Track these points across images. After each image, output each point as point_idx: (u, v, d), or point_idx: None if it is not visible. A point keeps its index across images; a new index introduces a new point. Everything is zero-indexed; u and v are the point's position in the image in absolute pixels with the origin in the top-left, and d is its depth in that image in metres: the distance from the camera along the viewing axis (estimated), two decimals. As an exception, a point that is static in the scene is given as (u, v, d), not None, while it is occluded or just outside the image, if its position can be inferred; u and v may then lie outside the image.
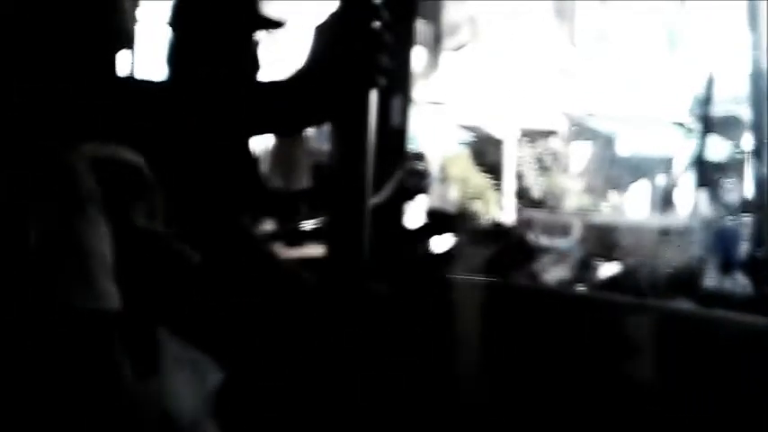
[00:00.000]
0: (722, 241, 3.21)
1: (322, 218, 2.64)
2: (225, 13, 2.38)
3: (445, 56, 15.36)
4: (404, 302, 2.67)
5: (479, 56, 15.97)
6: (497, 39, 16.05)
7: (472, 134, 16.36)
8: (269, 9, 2.53)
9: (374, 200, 2.33)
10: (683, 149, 14.14)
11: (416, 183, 2.67)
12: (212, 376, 1.71)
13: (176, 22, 2.41)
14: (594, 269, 3.04)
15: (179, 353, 1.65)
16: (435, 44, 15.90)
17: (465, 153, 15.92)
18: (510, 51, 16.06)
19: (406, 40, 2.73)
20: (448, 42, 15.24)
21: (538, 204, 14.61)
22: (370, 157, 2.26)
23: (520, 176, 16.15)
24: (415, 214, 3.07)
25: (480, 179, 15.54)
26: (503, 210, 14.25)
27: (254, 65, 2.44)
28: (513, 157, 16.12)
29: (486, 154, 16.14)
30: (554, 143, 16.85)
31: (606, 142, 16.70)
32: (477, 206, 13.78)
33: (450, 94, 15.54)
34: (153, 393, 1.58)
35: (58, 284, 1.37)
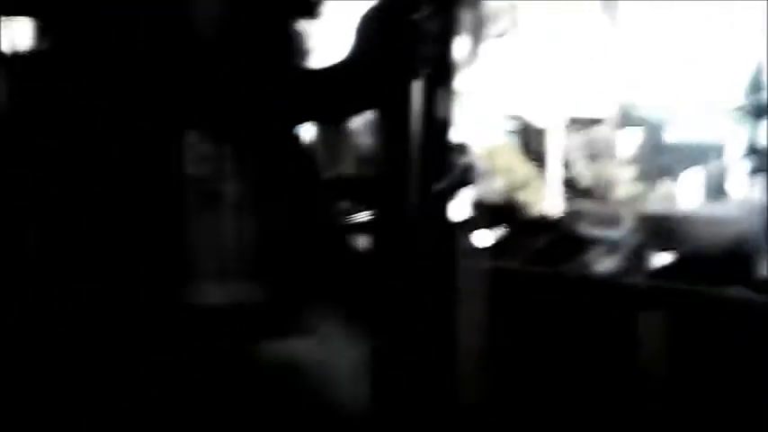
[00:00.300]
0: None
1: (364, 210, 2.65)
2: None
3: (487, 43, 15.30)
4: (451, 293, 2.67)
5: (522, 43, 15.88)
6: (540, 24, 15.95)
7: (516, 123, 16.28)
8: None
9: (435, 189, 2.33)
10: (735, 135, 13.99)
11: (463, 175, 2.67)
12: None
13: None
14: (647, 259, 3.01)
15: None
16: (477, 31, 15.82)
17: (510, 143, 15.85)
18: (554, 37, 15.95)
19: (450, 30, 2.73)
20: (490, 30, 15.17)
21: (587, 194, 14.50)
22: (414, 148, 2.26)
23: (567, 166, 16.04)
24: (461, 206, 3.06)
25: (526, 169, 15.45)
26: (549, 200, 14.17)
27: (297, 52, 2.45)
28: (560, 146, 16.02)
29: (531, 143, 16.06)
30: (602, 131, 16.72)
31: (656, 129, 16.53)
32: (523, 197, 13.72)
33: (494, 83, 15.46)
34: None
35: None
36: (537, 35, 17.57)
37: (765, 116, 13.11)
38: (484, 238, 3.01)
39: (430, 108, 2.48)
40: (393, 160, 2.28)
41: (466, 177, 2.72)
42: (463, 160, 2.95)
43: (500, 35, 16.51)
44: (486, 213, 3.24)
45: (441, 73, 2.57)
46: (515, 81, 17.25)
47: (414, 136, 2.19)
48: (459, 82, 2.94)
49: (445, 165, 2.58)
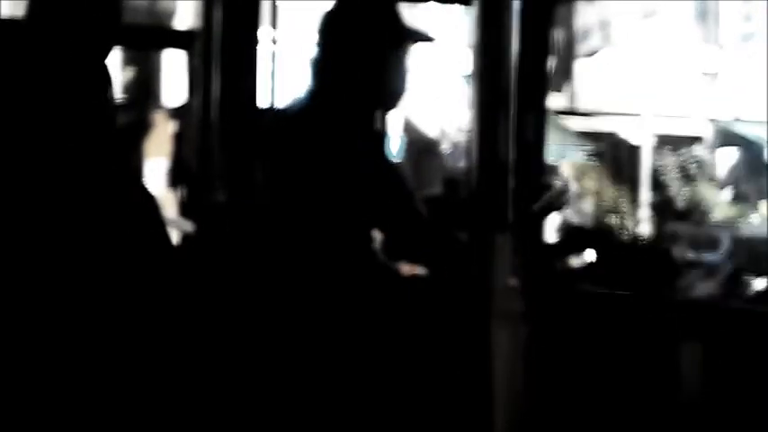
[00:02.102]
0: None
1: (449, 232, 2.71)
2: (372, 27, 2.49)
3: (578, 62, 15.24)
4: (545, 318, 2.71)
5: (614, 61, 15.76)
6: (633, 42, 15.81)
7: (607, 143, 16.14)
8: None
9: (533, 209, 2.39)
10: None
11: (557, 198, 2.71)
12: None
13: (324, 36, 2.54)
14: (746, 284, 3.00)
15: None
16: (567, 50, 15.79)
17: (600, 164, 15.72)
18: (647, 55, 15.80)
19: (542, 52, 2.78)
20: (580, 48, 15.11)
21: (682, 216, 14.29)
22: (509, 171, 2.32)
23: (662, 186, 15.83)
24: (552, 230, 3.11)
25: (616, 191, 15.31)
26: (640, 222, 14.01)
27: (401, 78, 2.54)
28: (651, 167, 15.84)
29: (621, 164, 15.89)
30: (698, 150, 16.46)
31: (755, 148, 16.22)
32: (612, 219, 13.59)
33: (584, 102, 15.38)
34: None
35: None
36: (628, 53, 17.31)
37: None
38: (576, 261, 3.04)
39: (522, 129, 2.54)
40: (485, 182, 2.34)
41: (559, 200, 2.77)
42: (556, 182, 3.00)
43: (591, 53, 16.33)
44: (578, 236, 3.27)
45: (534, 97, 2.63)
46: (606, 100, 17.01)
47: (506, 158, 2.26)
48: (550, 102, 3.00)
49: (538, 186, 2.64)
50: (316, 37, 2.57)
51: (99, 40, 1.89)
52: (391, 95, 2.55)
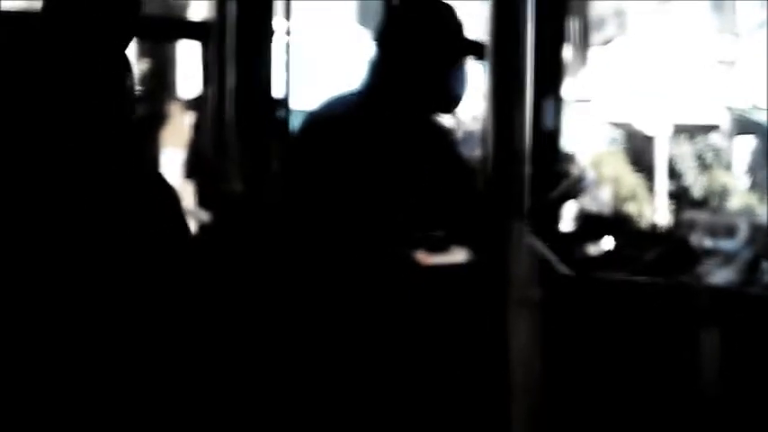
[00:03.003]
0: None
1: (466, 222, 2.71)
2: (432, 35, 2.50)
3: (593, 51, 15.18)
4: (563, 304, 2.72)
5: (629, 49, 15.71)
6: (648, 31, 15.75)
7: (624, 132, 16.09)
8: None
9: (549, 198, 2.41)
10: None
11: (575, 185, 2.71)
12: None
13: (384, 40, 2.55)
14: (764, 271, 2.99)
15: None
16: (583, 39, 15.71)
17: (617, 152, 15.68)
18: (662, 43, 15.73)
19: (558, 40, 2.78)
20: (595, 37, 15.06)
21: (700, 204, 14.25)
22: (525, 159, 2.32)
23: (679, 175, 15.78)
24: (570, 217, 3.10)
25: (634, 179, 15.27)
26: (658, 210, 13.97)
27: (460, 85, 2.55)
28: (668, 155, 15.78)
29: (639, 152, 15.85)
30: (715, 138, 16.39)
31: (772, 136, 16.14)
32: (630, 207, 13.56)
33: (600, 91, 15.34)
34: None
35: None
36: (644, 41, 17.21)
37: None
38: (594, 248, 3.05)
39: (539, 116, 2.54)
40: (501, 170, 2.35)
41: (576, 188, 2.77)
42: (574, 170, 2.99)
43: (607, 41, 16.27)
44: (596, 223, 3.27)
45: (550, 84, 2.63)
46: (623, 88, 16.94)
47: (521, 146, 2.26)
48: (566, 90, 3.00)
49: (555, 174, 2.64)
50: (378, 37, 2.57)
51: (119, 31, 1.90)
52: (450, 100, 2.56)
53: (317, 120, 2.63)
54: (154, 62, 6.41)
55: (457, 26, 2.54)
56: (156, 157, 5.04)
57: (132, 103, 1.94)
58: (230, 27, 2.63)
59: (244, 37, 2.62)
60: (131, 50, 1.96)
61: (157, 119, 5.42)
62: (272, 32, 2.66)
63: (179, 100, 6.22)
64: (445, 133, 2.67)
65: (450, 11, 2.53)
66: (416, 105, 2.53)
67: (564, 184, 2.60)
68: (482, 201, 2.60)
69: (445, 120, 2.79)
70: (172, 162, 5.07)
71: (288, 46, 2.68)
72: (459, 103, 2.55)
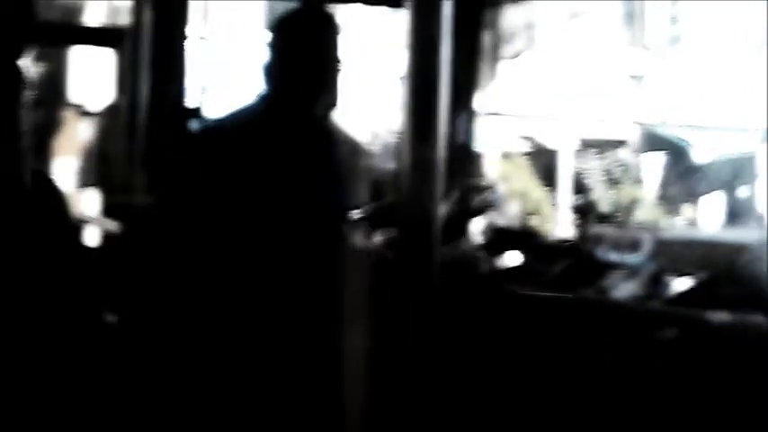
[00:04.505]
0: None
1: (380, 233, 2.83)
2: (311, 42, 2.64)
3: (503, 64, 15.47)
4: (470, 319, 2.85)
5: (539, 63, 16.04)
6: (558, 44, 16.10)
7: (531, 145, 16.42)
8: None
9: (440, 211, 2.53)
10: (762, 158, 14.13)
11: (484, 200, 2.84)
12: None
13: (273, 47, 2.67)
14: (666, 285, 3.17)
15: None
16: (493, 52, 15.97)
17: (524, 165, 16.01)
18: (572, 57, 16.10)
19: (472, 53, 2.92)
20: (505, 50, 15.35)
21: (607, 218, 14.64)
22: (438, 172, 2.45)
23: (587, 190, 16.17)
24: (479, 230, 3.25)
25: (540, 193, 15.62)
26: (561, 224, 14.31)
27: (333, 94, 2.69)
28: (573, 169, 16.17)
29: (546, 166, 16.19)
30: (624, 153, 16.84)
31: (680, 152, 16.66)
32: (535, 221, 13.87)
33: (509, 104, 15.64)
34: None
35: None
36: (554, 55, 17.55)
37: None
38: (502, 262, 3.19)
39: (452, 131, 2.68)
40: (415, 183, 2.47)
41: (488, 202, 2.91)
42: (485, 184, 3.14)
43: (516, 55, 16.56)
44: (504, 237, 3.41)
45: (463, 98, 2.77)
46: (530, 102, 17.25)
47: (437, 161, 2.39)
48: (479, 103, 3.14)
49: (467, 187, 2.78)
50: (268, 45, 2.70)
51: (11, 41, 1.96)
52: (329, 104, 2.70)
53: (214, 130, 2.76)
54: (49, 68, 6.38)
55: (334, 34, 2.71)
56: (49, 163, 5.04)
57: (24, 112, 2.00)
58: (145, 33, 2.70)
59: (159, 44, 2.69)
60: (29, 57, 2.02)
61: (52, 126, 5.41)
62: (186, 40, 2.74)
63: (75, 107, 6.20)
64: (338, 140, 2.80)
65: (329, 19, 2.71)
66: (302, 110, 2.67)
67: (476, 199, 2.73)
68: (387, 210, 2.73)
69: (357, 130, 2.90)
70: (65, 169, 5.05)
71: (203, 53, 2.77)
72: (333, 106, 2.73)
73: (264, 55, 2.69)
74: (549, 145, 16.39)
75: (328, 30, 2.71)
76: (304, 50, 2.66)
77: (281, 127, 2.67)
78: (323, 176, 2.65)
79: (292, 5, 2.90)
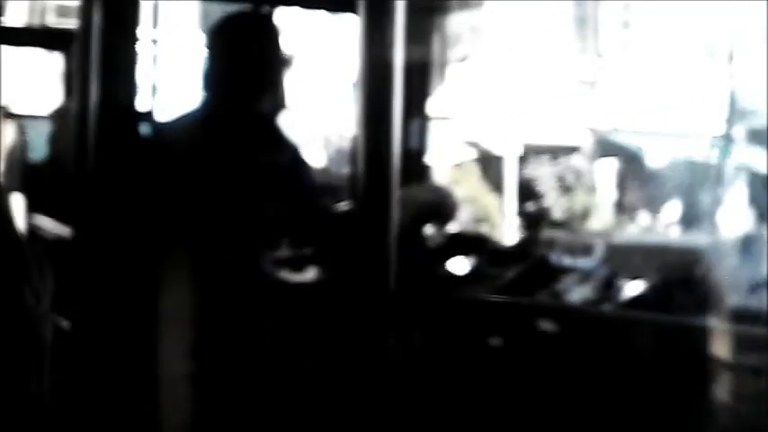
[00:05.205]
0: (752, 257, 3.45)
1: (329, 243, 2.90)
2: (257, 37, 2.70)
3: (450, 68, 15.56)
4: (428, 323, 2.92)
5: (487, 67, 16.13)
6: (507, 48, 16.21)
7: (478, 151, 16.53)
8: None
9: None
10: (716, 164, 14.40)
11: (439, 205, 2.92)
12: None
13: (212, 49, 2.73)
14: (618, 289, 3.27)
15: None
16: (440, 55, 16.02)
17: (474, 171, 16.13)
18: (522, 61, 16.22)
19: (424, 60, 2.99)
20: (452, 53, 15.42)
21: (559, 225, 14.82)
22: (393, 177, 2.52)
23: (538, 196, 16.34)
24: (434, 236, 3.32)
25: (490, 199, 15.76)
26: (509, 230, 14.44)
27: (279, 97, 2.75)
28: (524, 176, 16.32)
29: (493, 172, 16.32)
30: (576, 160, 17.03)
31: (633, 158, 16.88)
32: (485, 227, 14.01)
33: (457, 109, 15.73)
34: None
35: None
36: (504, 58, 17.62)
37: (750, 142, 13.42)
38: (456, 267, 3.27)
39: (406, 137, 2.75)
40: (369, 188, 2.54)
41: (446, 208, 2.99)
42: (441, 190, 3.21)
43: (463, 59, 16.64)
44: (457, 243, 3.49)
45: (417, 104, 2.84)
46: (477, 107, 17.33)
47: (390, 164, 2.46)
48: (431, 108, 3.21)
49: (422, 192, 2.85)
50: (206, 49, 2.76)
51: None
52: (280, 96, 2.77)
53: (159, 133, 2.82)
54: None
55: (272, 35, 2.79)
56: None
57: None
58: (95, 36, 2.73)
59: (109, 46, 2.72)
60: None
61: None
62: (137, 42, 2.77)
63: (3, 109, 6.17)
64: (284, 145, 2.87)
65: (265, 20, 2.79)
66: (244, 111, 2.74)
67: (431, 204, 2.81)
68: (343, 218, 2.79)
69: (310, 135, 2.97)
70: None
71: (155, 56, 2.82)
72: (281, 107, 2.79)
73: (204, 58, 2.76)
74: (497, 151, 16.52)
75: (266, 31, 2.78)
76: (241, 52, 2.74)
77: (222, 130, 2.73)
78: (261, 177, 2.71)
79: (231, 8, 2.97)
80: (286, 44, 2.81)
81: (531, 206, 15.81)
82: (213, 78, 2.78)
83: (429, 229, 3.20)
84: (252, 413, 2.69)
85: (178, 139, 2.80)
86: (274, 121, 2.81)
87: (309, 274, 2.91)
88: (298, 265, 2.91)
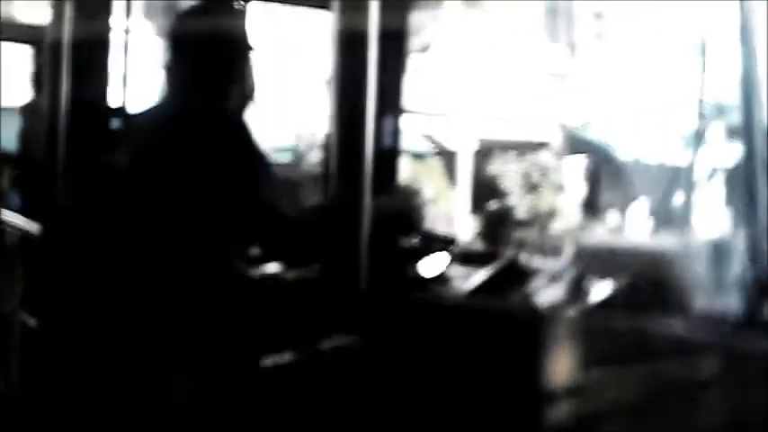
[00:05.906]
0: (721, 259, 3.61)
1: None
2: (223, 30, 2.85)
3: (411, 59, 15.53)
4: (396, 324, 3.07)
5: (450, 58, 16.16)
6: (472, 39, 16.25)
7: (438, 146, 16.58)
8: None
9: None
10: (688, 161, 14.58)
11: (409, 204, 3.05)
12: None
13: (173, 43, 2.86)
14: (588, 290, 3.43)
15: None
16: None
17: (437, 168, 16.23)
18: (488, 53, 16.26)
19: (397, 57, 3.14)
20: (413, 43, 15.42)
21: (525, 224, 14.98)
22: (366, 175, 2.68)
23: (504, 194, 16.47)
24: (403, 236, 3.47)
25: (451, 194, 15.90)
26: (471, 229, 14.57)
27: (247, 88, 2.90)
28: (488, 172, 16.41)
29: (454, 169, 16.40)
30: (544, 156, 17.15)
31: (604, 155, 17.04)
32: (448, 224, 14.12)
33: (417, 102, 15.80)
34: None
35: None
36: (467, 50, 17.56)
37: (727, 139, 13.62)
38: (429, 267, 3.41)
39: (379, 133, 2.90)
40: (343, 185, 2.69)
41: (411, 205, 3.13)
42: (410, 187, 3.34)
43: (423, 49, 16.67)
44: (425, 243, 3.63)
45: (390, 101, 3.00)
46: (440, 100, 17.32)
47: (364, 161, 2.61)
48: (404, 104, 3.34)
49: (394, 190, 3.00)
50: (168, 42, 2.90)
51: None
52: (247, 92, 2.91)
53: (128, 127, 2.95)
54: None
55: (240, 26, 2.94)
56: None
57: None
58: (66, 29, 2.85)
59: (80, 41, 2.85)
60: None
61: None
62: (109, 36, 2.91)
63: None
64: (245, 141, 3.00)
65: (229, 11, 2.94)
66: (209, 104, 2.88)
67: (401, 203, 2.95)
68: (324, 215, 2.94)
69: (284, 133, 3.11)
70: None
71: (127, 49, 2.94)
72: (249, 99, 2.94)
73: (169, 49, 2.89)
74: (456, 146, 16.56)
75: (232, 21, 2.92)
76: (206, 44, 2.87)
77: (186, 124, 2.87)
78: (224, 172, 2.85)
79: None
80: (253, 36, 2.94)
81: (493, 205, 15.94)
82: (178, 71, 2.90)
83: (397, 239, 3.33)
84: (220, 411, 2.83)
85: (143, 134, 2.93)
86: (240, 116, 2.93)
87: (278, 271, 3.06)
88: (265, 264, 3.06)
